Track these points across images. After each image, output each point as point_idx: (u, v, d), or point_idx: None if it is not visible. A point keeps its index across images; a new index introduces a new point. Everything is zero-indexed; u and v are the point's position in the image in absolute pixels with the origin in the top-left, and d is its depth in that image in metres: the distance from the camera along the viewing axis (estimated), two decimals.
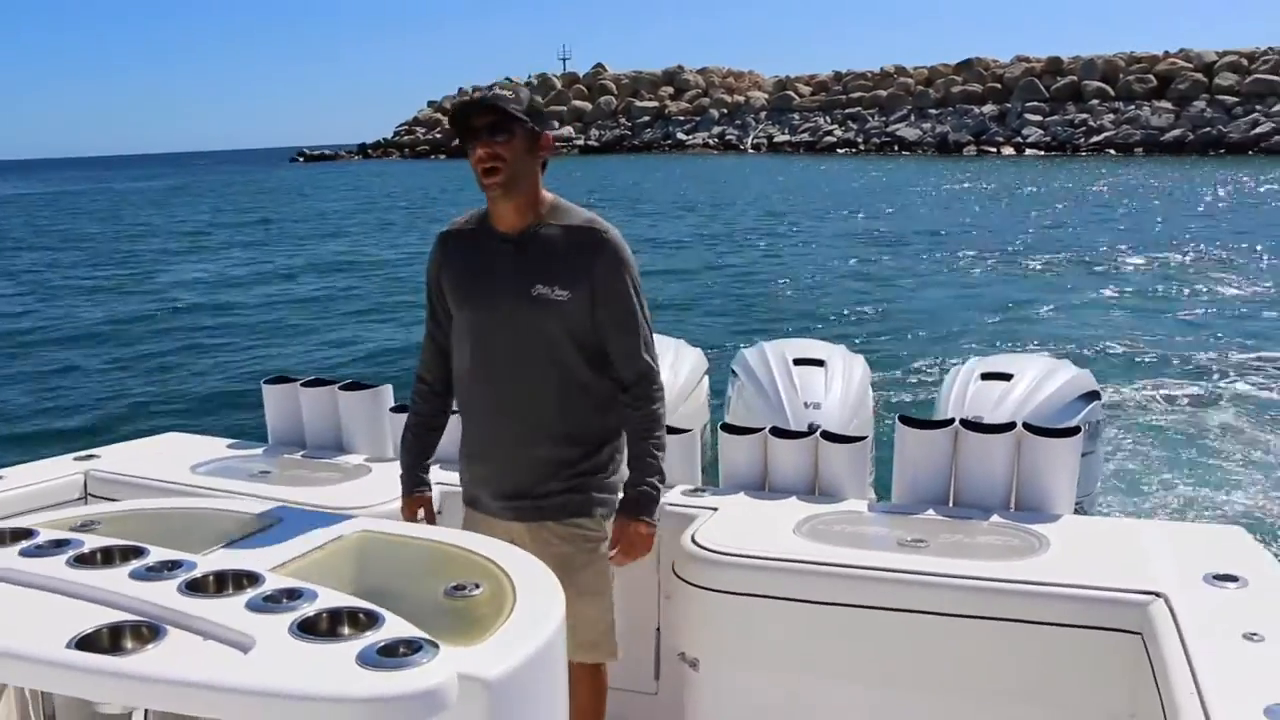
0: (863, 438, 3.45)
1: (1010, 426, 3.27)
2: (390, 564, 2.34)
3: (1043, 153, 74.36)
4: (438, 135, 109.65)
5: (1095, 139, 73.92)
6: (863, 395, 4.11)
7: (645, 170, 68.38)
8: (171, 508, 2.72)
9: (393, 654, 1.63)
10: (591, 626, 2.77)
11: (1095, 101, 78.57)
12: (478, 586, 2.02)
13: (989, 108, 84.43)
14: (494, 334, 2.69)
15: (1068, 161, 66.48)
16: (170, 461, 3.76)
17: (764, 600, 2.83)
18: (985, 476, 3.23)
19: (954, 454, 3.28)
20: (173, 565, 1.96)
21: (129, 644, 1.69)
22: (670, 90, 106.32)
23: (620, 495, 2.82)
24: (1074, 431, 3.25)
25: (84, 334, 16.80)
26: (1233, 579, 2.59)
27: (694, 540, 2.95)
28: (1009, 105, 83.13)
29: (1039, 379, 3.89)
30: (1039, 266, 21.92)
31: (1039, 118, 79.90)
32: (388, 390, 4.01)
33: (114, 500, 3.35)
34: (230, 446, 4.04)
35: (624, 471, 2.83)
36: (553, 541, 2.73)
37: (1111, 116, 76.08)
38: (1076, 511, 3.28)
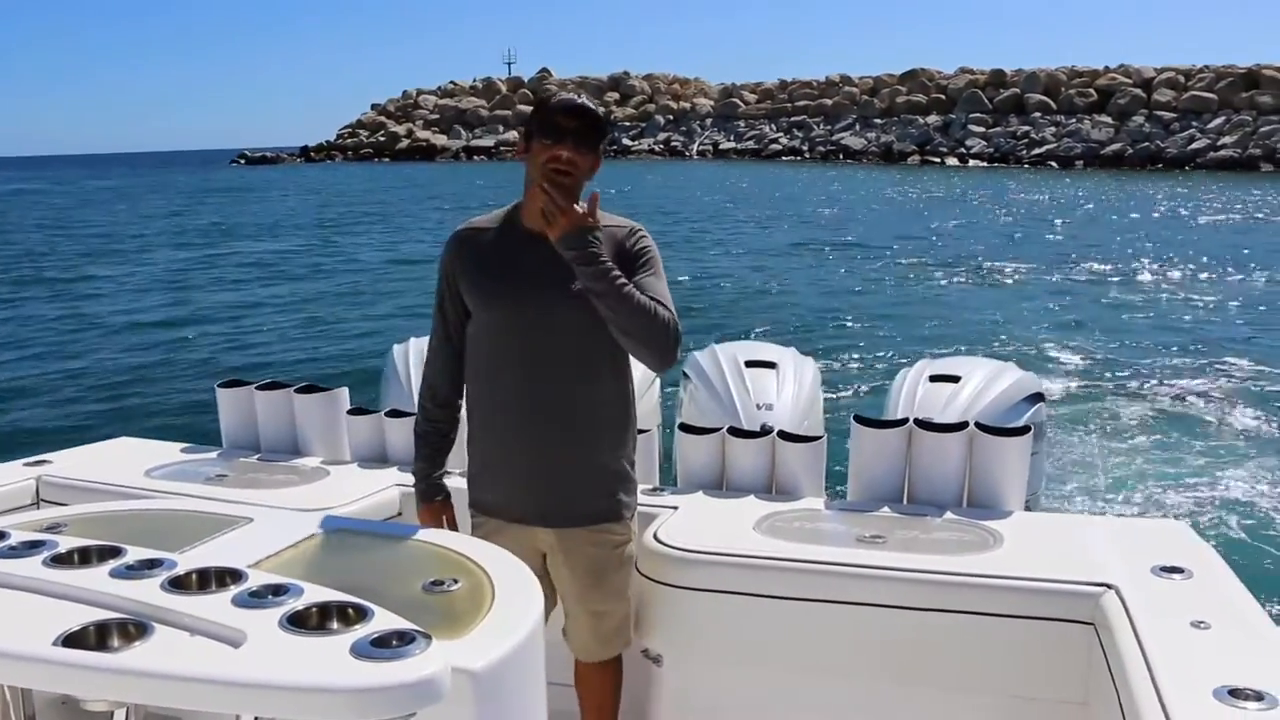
0: (818, 437, 3.49)
1: (963, 426, 3.33)
2: (367, 560, 2.35)
3: (985, 164, 75.38)
4: (381, 138, 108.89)
5: (1037, 151, 75.03)
6: (814, 397, 4.14)
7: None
8: (139, 509, 2.71)
9: (386, 645, 1.64)
10: (615, 622, 2.86)
11: (1037, 114, 79.76)
12: (456, 582, 2.05)
13: (933, 118, 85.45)
14: (526, 332, 2.62)
15: (1011, 172, 67.43)
16: (124, 466, 3.70)
17: (727, 596, 2.86)
18: (939, 474, 3.30)
19: (908, 453, 3.34)
20: (153, 564, 1.96)
21: (116, 641, 1.69)
22: (616, 96, 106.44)
23: (637, 498, 2.89)
24: (1024, 431, 3.32)
25: (25, 339, 16.38)
26: (1178, 570, 2.69)
27: (656, 538, 2.97)
28: (953, 116, 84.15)
29: (986, 381, 3.93)
30: (985, 273, 22.26)
31: (982, 129, 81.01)
32: (344, 393, 3.98)
33: (64, 506, 3.36)
34: (184, 451, 3.99)
35: (634, 475, 2.86)
36: (584, 548, 2.74)
37: (1053, 129, 77.28)
38: (1026, 508, 3.36)
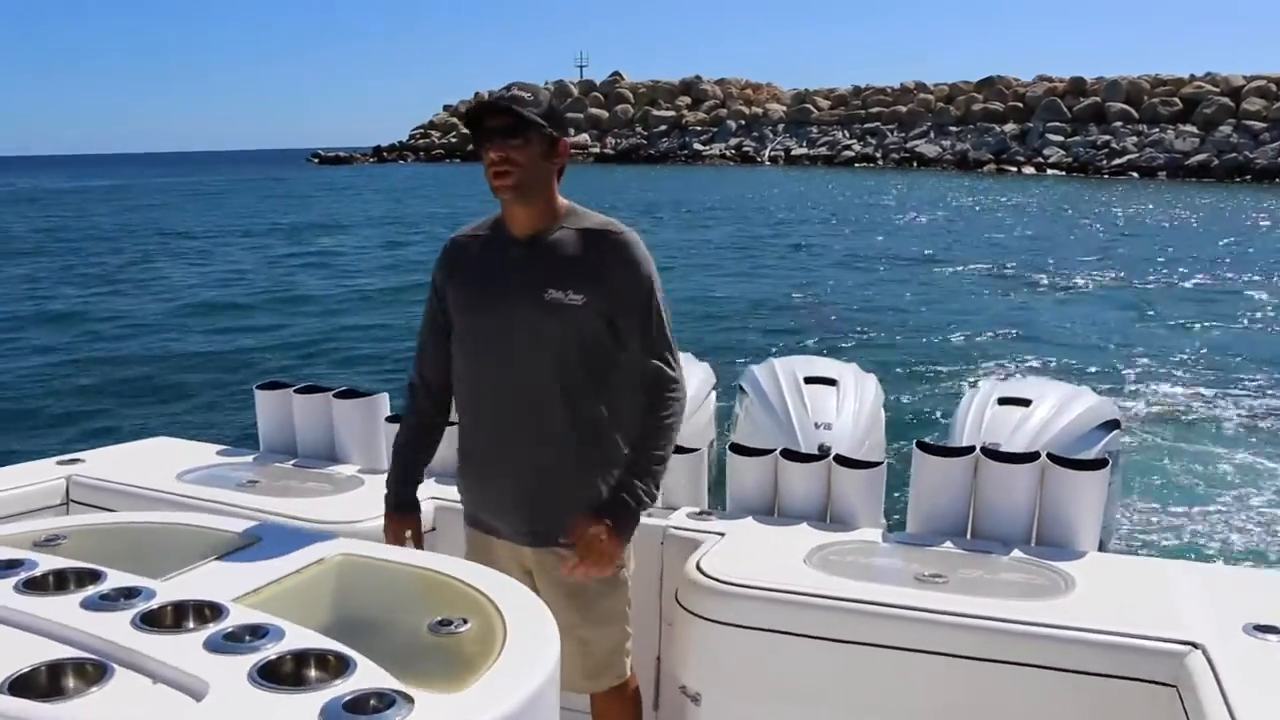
0: (878, 463, 3.33)
1: (1034, 456, 3.14)
2: (371, 593, 2.21)
3: (1063, 173, 73.92)
4: (453, 139, 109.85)
5: (1118, 161, 73.27)
6: (875, 416, 3.99)
7: (660, 180, 68.35)
8: (145, 522, 2.62)
9: (361, 709, 1.50)
10: (602, 653, 2.67)
11: (1119, 123, 77.93)
12: (465, 622, 1.90)
13: (1010, 126, 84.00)
14: (501, 341, 2.54)
15: (1089, 182, 66.01)
16: (156, 468, 3.65)
17: (772, 635, 2.68)
18: (1006, 508, 3.11)
19: (973, 483, 3.16)
20: (130, 593, 1.84)
21: (71, 684, 1.58)
22: (688, 100, 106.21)
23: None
24: (1101, 464, 3.13)
25: (80, 333, 16.60)
26: (1275, 630, 2.44)
27: (699, 568, 2.81)
28: (1030, 125, 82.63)
29: (1059, 405, 3.78)
30: (1061, 286, 21.65)
31: (1060, 138, 79.42)
32: (383, 399, 3.89)
33: (95, 508, 3.38)
34: (220, 454, 3.93)
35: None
36: (564, 569, 2.57)
37: (1135, 139, 75.42)
38: (1099, 548, 3.16)
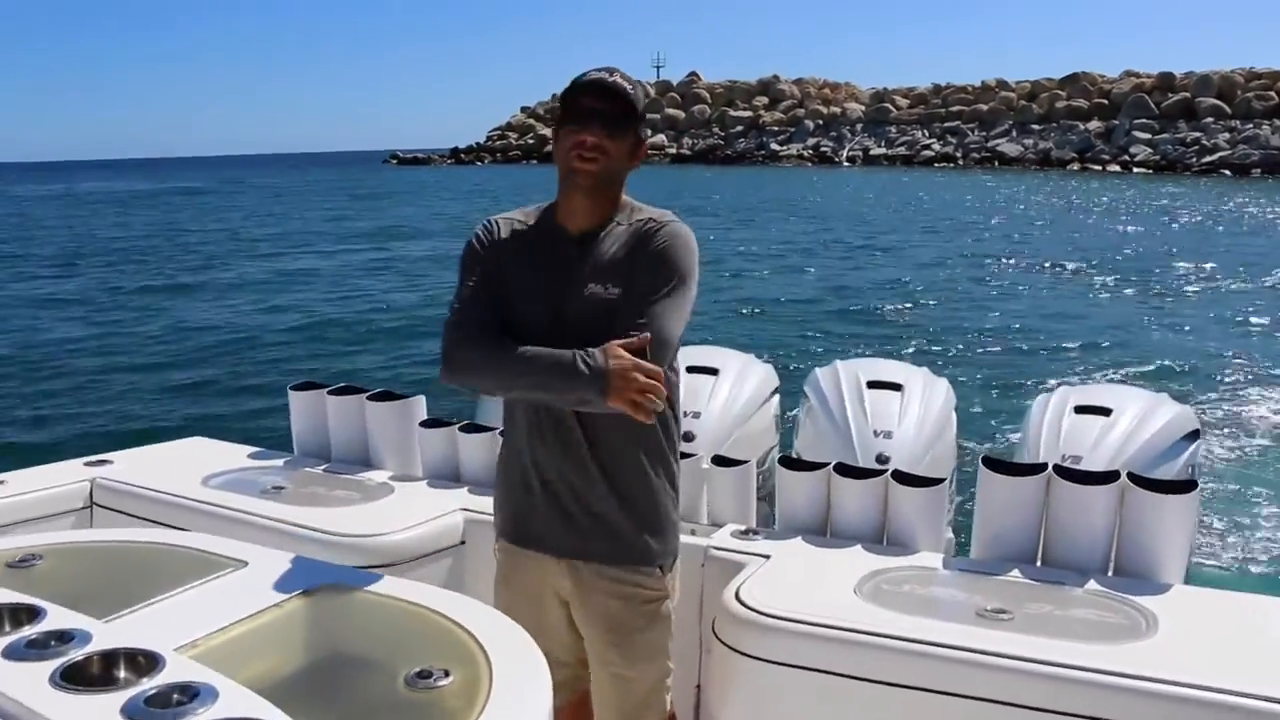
0: (939, 480, 3.06)
1: (1112, 476, 2.85)
2: (348, 637, 2.05)
3: (1151, 171, 71.95)
4: (530, 141, 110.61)
5: (1208, 158, 71.18)
6: (942, 424, 3.73)
7: (739, 180, 67.94)
8: (126, 542, 2.48)
9: None
10: (641, 692, 2.48)
11: (1210, 119, 75.83)
12: (446, 675, 1.73)
13: (1094, 124, 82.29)
14: (554, 336, 2.30)
15: (1179, 180, 64.07)
16: (184, 471, 3.55)
17: (815, 674, 2.43)
18: (1081, 534, 2.83)
19: (1045, 504, 2.88)
20: (63, 637, 1.68)
21: None
22: (765, 100, 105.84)
23: (679, 541, 2.50)
24: (1189, 485, 2.83)
25: (145, 329, 16.80)
26: None
27: (738, 597, 2.58)
28: (1116, 122, 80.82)
29: (1141, 416, 3.51)
30: (1146, 288, 20.91)
31: (1148, 135, 77.47)
32: (419, 402, 3.72)
33: (118, 512, 3.32)
34: (251, 456, 3.82)
35: (676, 517, 2.48)
36: (603, 598, 2.41)
37: (1227, 135, 73.23)
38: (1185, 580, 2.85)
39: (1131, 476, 2.83)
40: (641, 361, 2.15)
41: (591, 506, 2.38)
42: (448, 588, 3.10)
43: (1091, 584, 2.72)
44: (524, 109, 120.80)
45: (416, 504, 3.23)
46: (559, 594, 2.46)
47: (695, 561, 2.88)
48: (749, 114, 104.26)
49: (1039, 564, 2.89)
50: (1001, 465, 2.96)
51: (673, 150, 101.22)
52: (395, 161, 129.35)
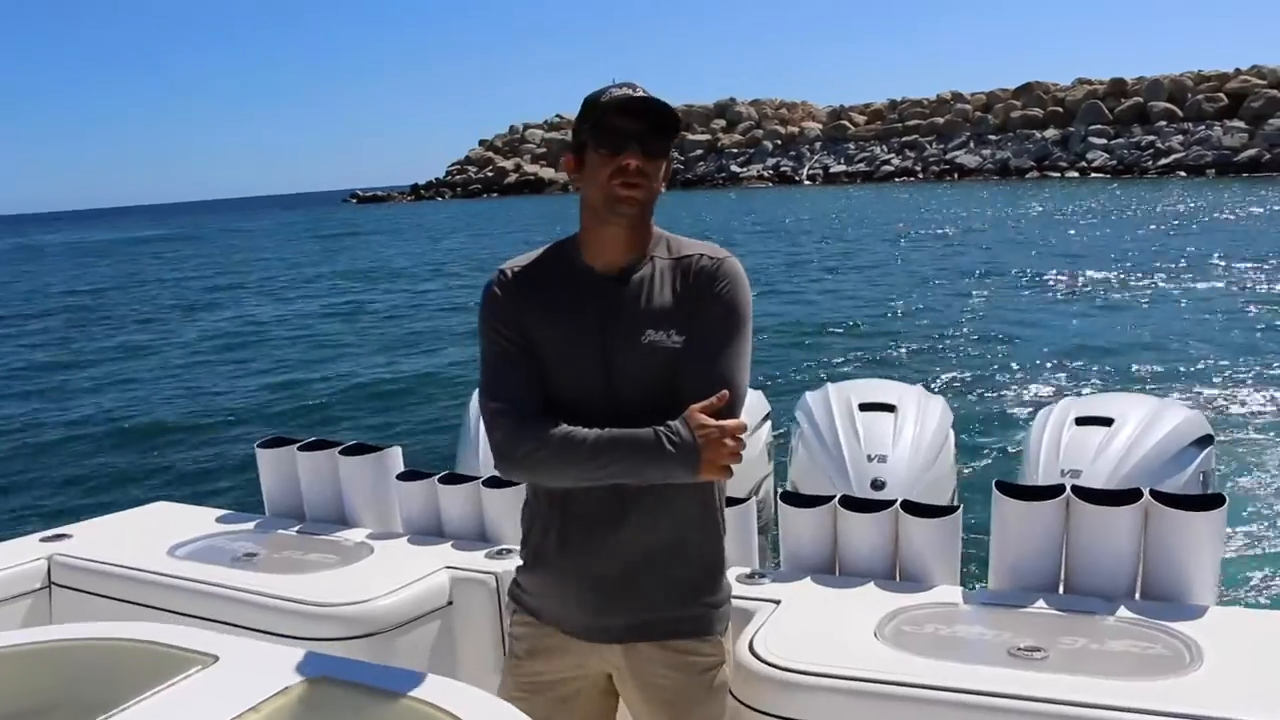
0: (954, 508, 2.90)
1: (1135, 495, 2.70)
2: None
3: (1108, 176, 72.70)
4: (489, 174, 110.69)
5: (1164, 161, 72.19)
6: (939, 444, 3.64)
7: (701, 206, 68.03)
8: (88, 639, 2.20)
9: None
10: None
11: (1163, 123, 77.02)
12: None
13: (1050, 132, 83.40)
14: (600, 389, 2.14)
15: (1136, 183, 64.85)
16: (148, 541, 3.35)
17: None
18: (1106, 557, 2.69)
19: (1065, 528, 2.74)
20: None
21: None
22: (722, 123, 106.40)
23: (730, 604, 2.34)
24: (1216, 501, 2.68)
25: (90, 388, 16.25)
26: None
27: (752, 649, 2.41)
28: (1071, 129, 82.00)
29: (1145, 422, 3.40)
30: (1124, 290, 20.82)
31: (1103, 141, 78.59)
32: (394, 453, 3.52)
33: (78, 591, 3.18)
34: (220, 520, 3.62)
35: (730, 580, 2.35)
36: (660, 670, 2.22)
37: (1180, 138, 74.45)
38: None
39: (1154, 494, 2.68)
40: (725, 423, 2.00)
41: (642, 577, 2.19)
42: (436, 653, 2.79)
43: (1122, 611, 2.57)
44: (482, 142, 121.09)
45: (398, 564, 3.07)
46: (601, 668, 2.27)
47: None
48: (707, 137, 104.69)
49: (1061, 591, 2.74)
50: (1015, 489, 2.79)
51: None
52: (355, 200, 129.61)
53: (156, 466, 11.25)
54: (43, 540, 3.40)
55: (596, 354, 2.13)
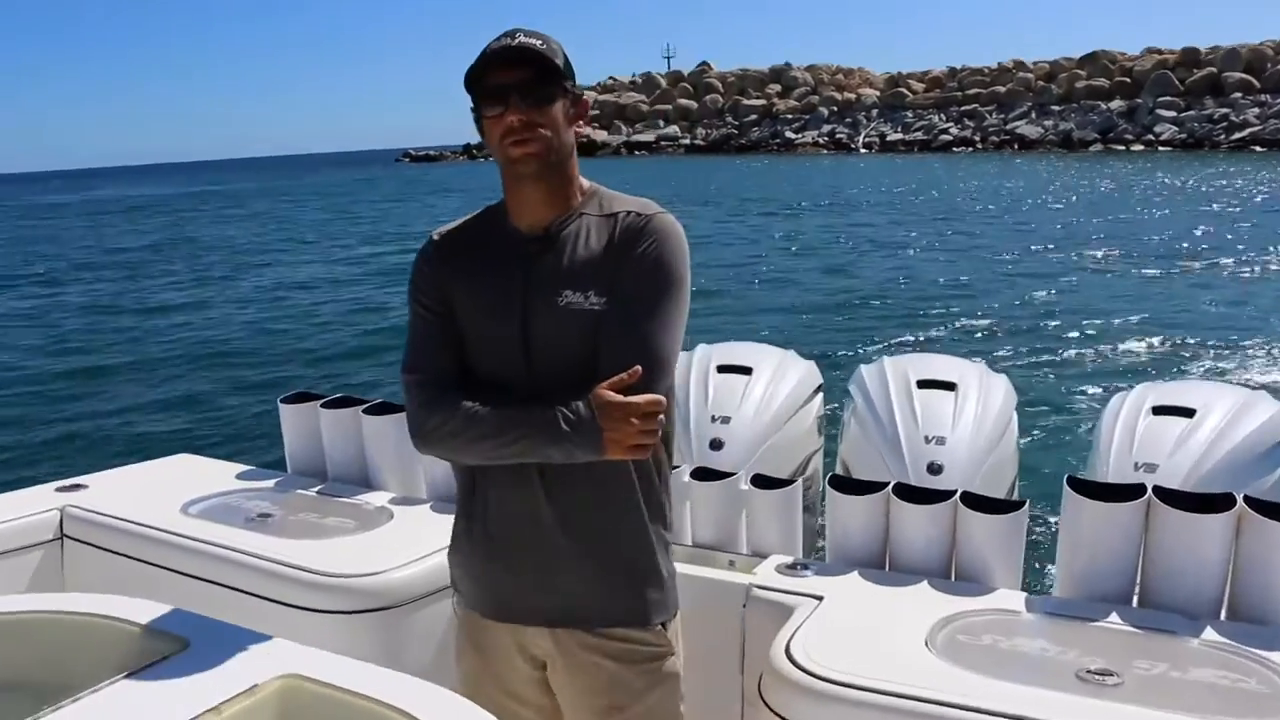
0: (1019, 504, 2.72)
1: (1229, 502, 2.47)
2: None
3: (1177, 149, 70.66)
4: None
5: (1238, 135, 69.84)
6: (1002, 427, 3.45)
7: (755, 171, 67.32)
8: (56, 610, 2.17)
9: None
10: None
11: (1238, 94, 74.60)
12: None
13: (1117, 103, 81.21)
14: (508, 363, 2.07)
15: (1208, 158, 62.93)
16: (163, 496, 3.28)
17: None
18: (1189, 569, 2.48)
19: (1144, 532, 2.54)
20: None
21: None
22: (778, 88, 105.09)
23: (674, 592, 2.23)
24: None
25: (139, 339, 16.15)
26: None
27: (789, 653, 2.26)
28: (1139, 100, 79.73)
29: (1231, 416, 3.18)
30: (1210, 274, 19.77)
31: (1173, 113, 76.38)
32: None
33: (88, 545, 3.14)
34: (240, 476, 3.54)
35: (672, 563, 2.22)
36: (593, 658, 2.14)
37: (1257, 110, 72.07)
38: None
39: (1249, 500, 2.46)
40: (634, 399, 1.90)
41: (572, 559, 2.11)
42: (451, 632, 2.56)
43: (1208, 632, 2.38)
44: None
45: (417, 534, 2.94)
46: (533, 655, 2.20)
47: (735, 602, 2.64)
48: (762, 102, 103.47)
49: (1135, 604, 2.57)
50: (1089, 487, 2.60)
51: (686, 141, 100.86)
52: (408, 159, 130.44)
53: (192, 418, 11.02)
54: (58, 490, 3.35)
55: (515, 320, 2.06)
